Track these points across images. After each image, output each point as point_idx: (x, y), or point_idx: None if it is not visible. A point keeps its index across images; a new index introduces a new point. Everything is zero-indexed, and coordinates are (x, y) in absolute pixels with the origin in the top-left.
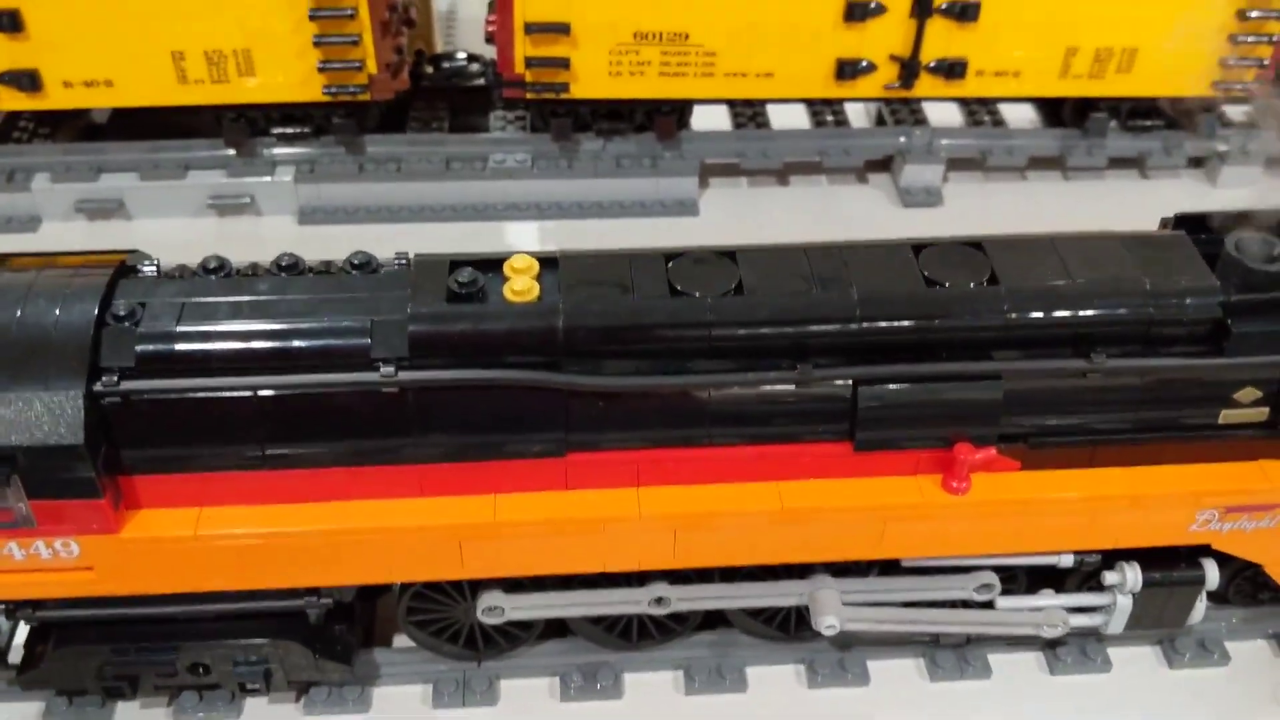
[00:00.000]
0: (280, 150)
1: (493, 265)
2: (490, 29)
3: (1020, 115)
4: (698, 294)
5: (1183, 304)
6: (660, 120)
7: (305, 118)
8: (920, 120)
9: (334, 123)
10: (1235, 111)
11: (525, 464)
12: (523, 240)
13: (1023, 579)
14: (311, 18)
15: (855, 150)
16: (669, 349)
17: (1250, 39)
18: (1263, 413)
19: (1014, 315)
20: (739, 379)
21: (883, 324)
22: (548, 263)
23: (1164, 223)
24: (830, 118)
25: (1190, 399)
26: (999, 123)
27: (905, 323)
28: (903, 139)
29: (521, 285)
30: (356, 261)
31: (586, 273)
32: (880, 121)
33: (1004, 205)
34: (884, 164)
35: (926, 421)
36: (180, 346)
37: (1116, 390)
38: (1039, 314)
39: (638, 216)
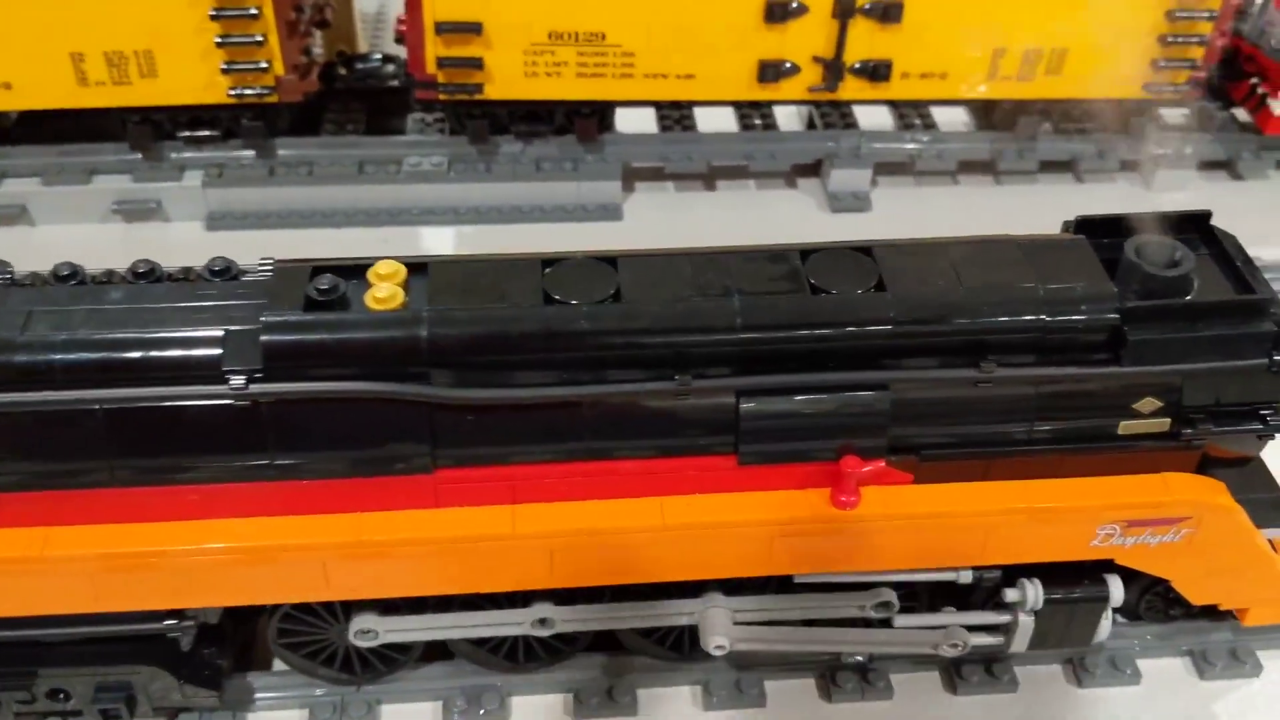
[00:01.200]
0: (188, 154)
1: (357, 271)
2: (400, 29)
3: (952, 118)
4: (573, 301)
5: (1078, 311)
6: (581, 122)
7: (213, 121)
8: (850, 124)
9: (243, 125)
10: (1170, 114)
11: (392, 481)
12: (438, 246)
13: (924, 596)
14: (214, 18)
15: (782, 155)
16: (542, 359)
17: (1181, 40)
18: (1164, 423)
19: (902, 323)
20: (615, 390)
21: (765, 333)
22: (417, 269)
23: (1065, 226)
24: (758, 121)
25: (1088, 409)
26: (930, 126)
27: (788, 331)
28: (830, 143)
29: (384, 293)
30: (215, 268)
31: (457, 280)
32: (810, 124)
33: (935, 210)
34: (813, 168)
35: (812, 434)
36: (21, 358)
37: (1010, 400)
38: (928, 322)
39: (559, 221)
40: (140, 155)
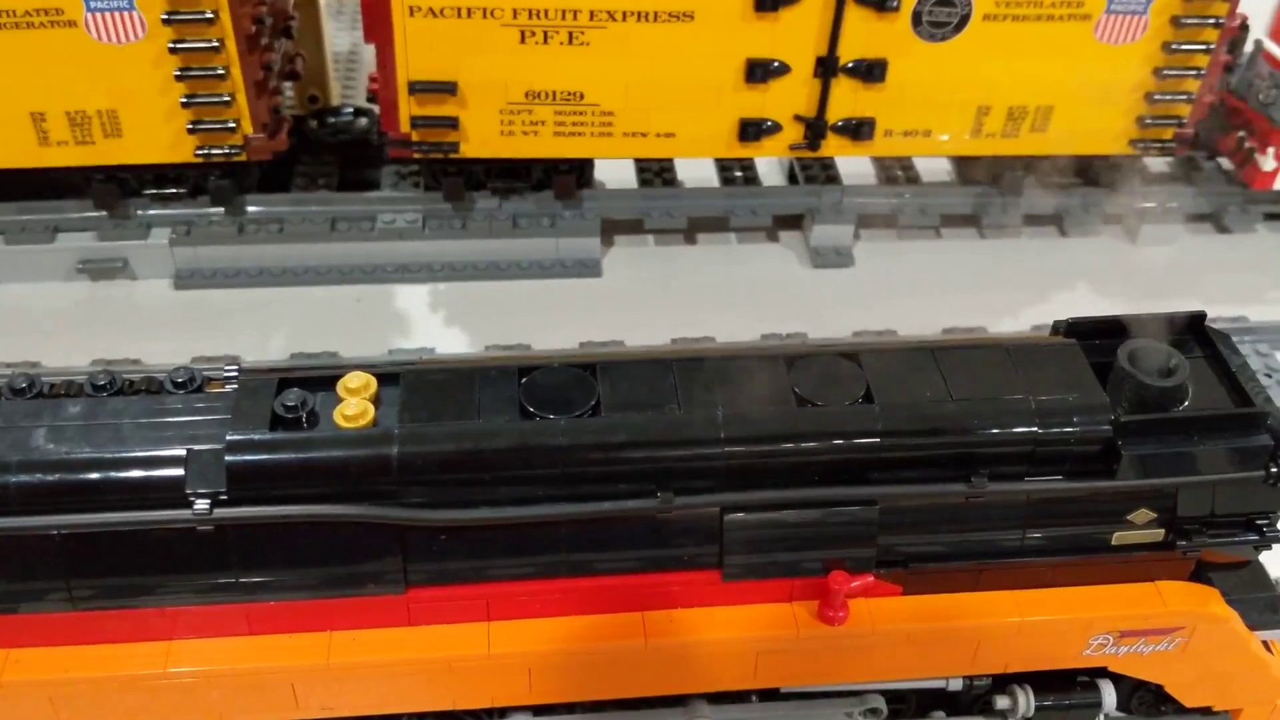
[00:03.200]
0: (154, 211)
1: (326, 383)
2: (373, 88)
3: (935, 167)
4: (551, 415)
5: (1071, 424)
6: (559, 179)
7: (180, 178)
8: (832, 176)
9: (211, 183)
10: (1155, 163)
11: (362, 601)
12: (413, 304)
13: (912, 701)
14: (179, 78)
15: (763, 210)
16: (518, 476)
17: (1167, 98)
18: (1158, 534)
19: (890, 437)
20: (594, 510)
21: (749, 447)
22: (389, 378)
23: (1056, 327)
24: (739, 173)
25: (1080, 519)
26: (913, 179)
27: (773, 446)
28: (812, 199)
29: (353, 409)
30: (179, 379)
31: (429, 391)
32: (791, 176)
33: (917, 265)
34: (795, 219)
35: (798, 548)
36: None
37: (1001, 510)
38: (917, 436)
39: (537, 278)
40: (105, 213)
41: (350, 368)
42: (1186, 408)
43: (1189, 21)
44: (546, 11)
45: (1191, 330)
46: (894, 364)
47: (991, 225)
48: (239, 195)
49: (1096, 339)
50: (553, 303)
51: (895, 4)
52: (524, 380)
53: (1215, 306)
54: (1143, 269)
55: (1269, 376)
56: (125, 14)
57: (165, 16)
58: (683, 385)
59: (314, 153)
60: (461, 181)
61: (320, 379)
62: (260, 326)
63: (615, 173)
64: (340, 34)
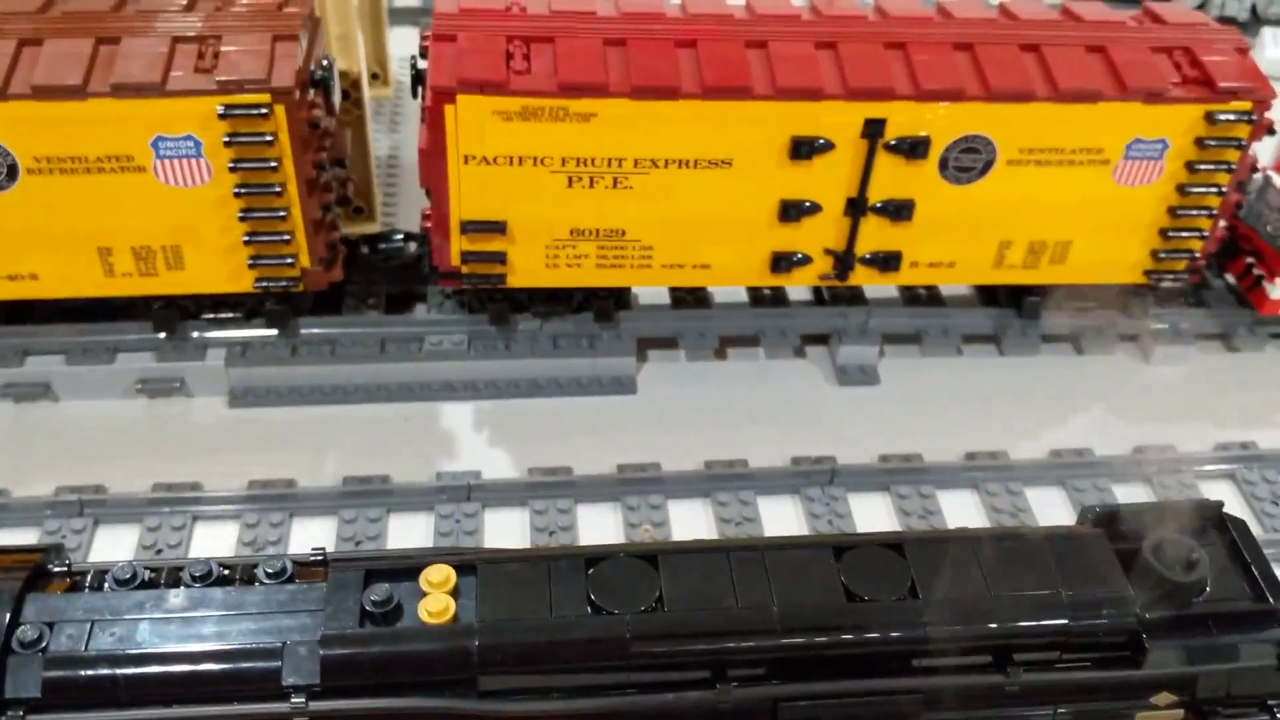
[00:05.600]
0: (210, 333)
1: (409, 574)
2: (425, 225)
3: (958, 288)
4: (617, 610)
5: (1099, 616)
6: (598, 303)
7: (237, 303)
8: (857, 296)
9: (267, 308)
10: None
11: None
12: (458, 421)
13: None
14: (242, 218)
15: (791, 330)
16: (587, 666)
17: (1182, 234)
18: (1178, 714)
19: (933, 630)
20: (658, 701)
21: (802, 639)
22: (465, 568)
23: (1084, 514)
24: (768, 292)
25: (1106, 699)
26: (936, 298)
27: (825, 638)
28: (838, 319)
29: (437, 605)
30: (271, 570)
31: (504, 583)
32: (818, 295)
33: (940, 383)
34: (823, 336)
35: None
36: (86, 673)
37: (1034, 693)
38: (958, 629)
39: (575, 395)
40: (164, 335)
41: (430, 558)
42: (1206, 598)
43: (1203, 167)
44: (593, 159)
45: (1211, 517)
46: (936, 556)
47: (1011, 345)
48: (293, 318)
49: (1123, 525)
50: (590, 420)
51: (924, 153)
52: (591, 572)
53: (1226, 429)
54: (1156, 388)
55: (1276, 504)
56: (193, 160)
57: (231, 164)
58: (739, 576)
59: (363, 273)
60: (507, 306)
61: (404, 569)
62: (312, 446)
63: (650, 291)
64: (379, 135)
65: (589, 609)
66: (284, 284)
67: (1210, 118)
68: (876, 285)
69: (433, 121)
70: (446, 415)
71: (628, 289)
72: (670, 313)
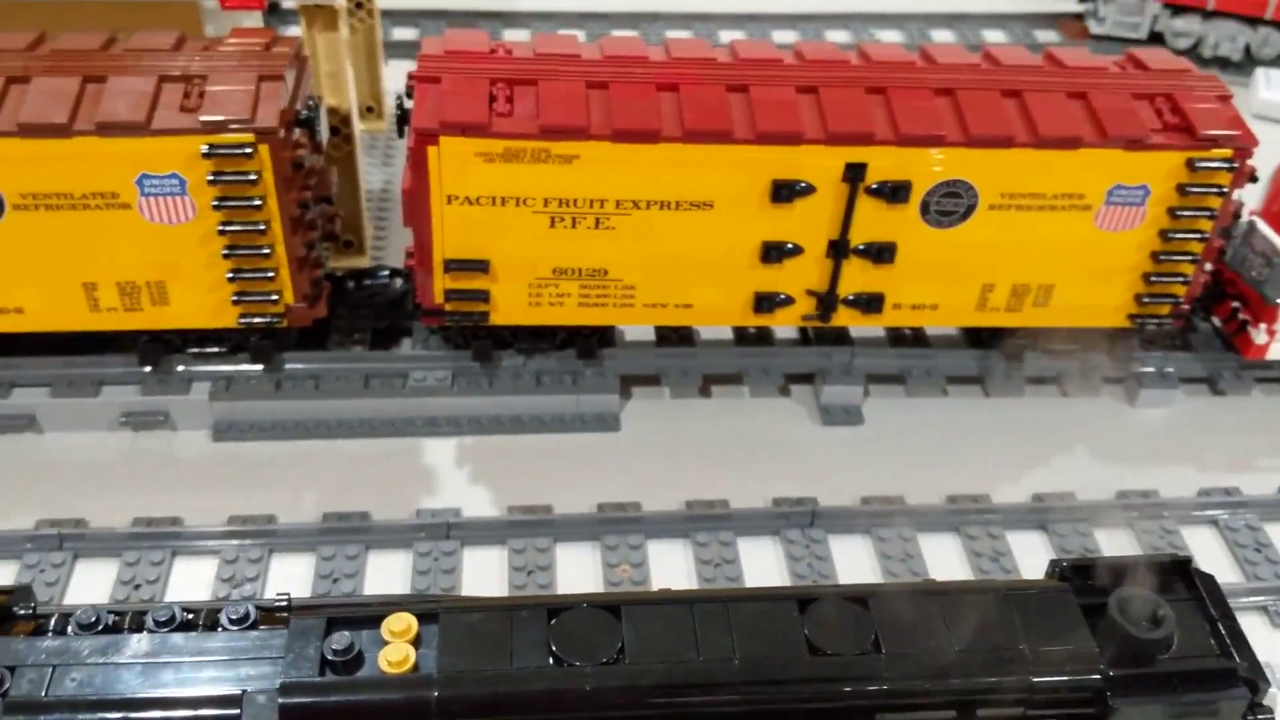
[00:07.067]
0: (195, 367)
1: (371, 622)
2: (409, 263)
3: (944, 330)
4: (577, 662)
5: (1063, 673)
6: (581, 341)
7: (221, 338)
8: (842, 336)
9: (251, 343)
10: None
11: None
12: (440, 457)
13: None
14: (226, 256)
15: (774, 369)
16: (548, 718)
17: (1165, 279)
18: None
19: (896, 685)
20: None
21: (763, 692)
22: (427, 617)
23: (1051, 567)
24: (753, 330)
25: None
26: (920, 339)
27: (786, 692)
28: (822, 359)
29: (397, 655)
30: (234, 616)
31: (465, 633)
32: (803, 334)
33: (924, 423)
34: (807, 376)
35: None
36: (45, 718)
37: None
38: (920, 685)
39: (558, 432)
40: (149, 369)
41: (392, 605)
42: (1171, 656)
43: (1184, 213)
44: (575, 200)
45: (1179, 572)
46: (900, 609)
47: (996, 387)
48: (277, 353)
49: (1090, 579)
50: (573, 457)
51: (905, 197)
52: (553, 622)
53: (1210, 473)
54: (1140, 431)
55: (1258, 551)
56: (177, 198)
57: (215, 202)
58: (702, 628)
59: (350, 307)
60: (490, 343)
61: (366, 618)
62: (294, 480)
63: (635, 328)
64: (372, 170)
65: (550, 660)
66: (268, 320)
67: (1191, 164)
68: (860, 326)
69: (416, 162)
70: (429, 451)
71: (611, 326)
72: (654, 350)
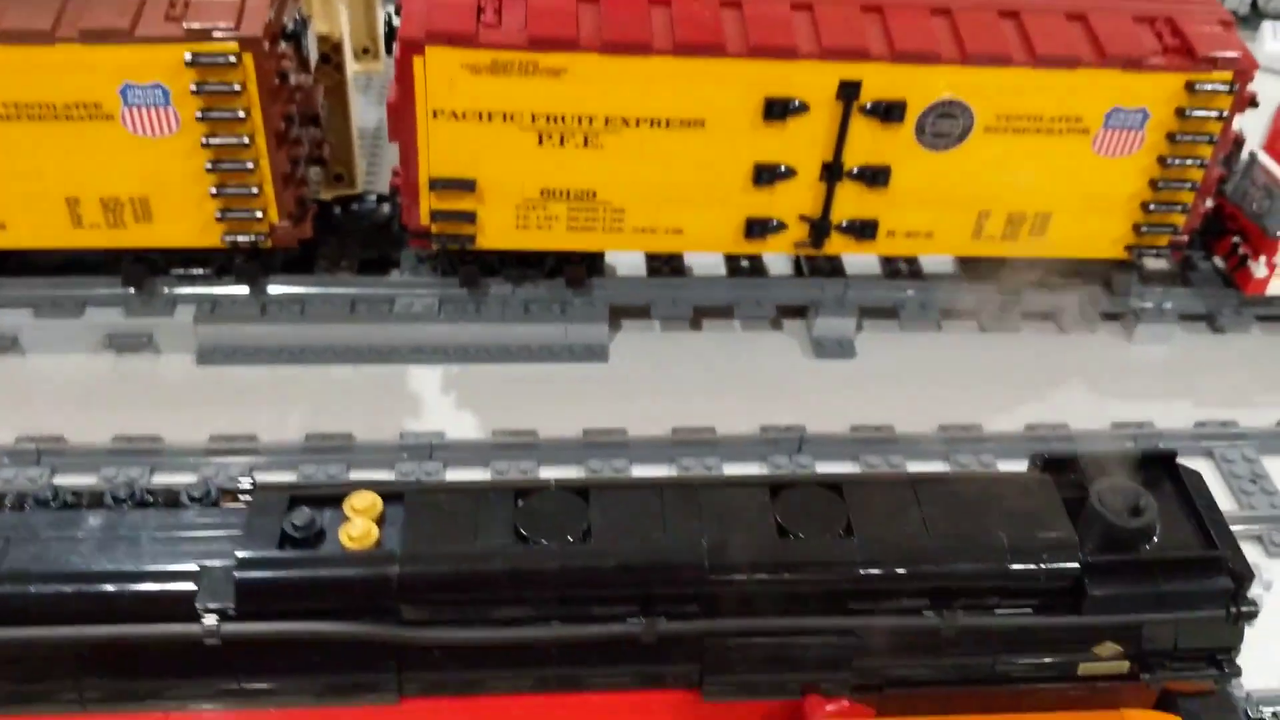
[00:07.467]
0: (180, 290)
1: (334, 501)
2: (395, 182)
3: (940, 261)
4: (543, 540)
5: (1040, 561)
6: (570, 268)
7: (206, 259)
8: (836, 268)
9: (236, 265)
10: (1153, 263)
11: (359, 711)
12: (426, 385)
13: None
14: (209, 170)
15: (767, 301)
16: (511, 597)
17: (1164, 207)
18: (1123, 666)
19: (868, 570)
20: (579, 633)
21: (732, 576)
22: (394, 497)
23: (1033, 460)
24: (746, 263)
25: (1048, 651)
26: (916, 273)
27: (754, 575)
28: (815, 291)
29: (358, 530)
30: (195, 494)
31: (431, 513)
32: (797, 266)
33: (918, 358)
34: (800, 308)
35: (776, 672)
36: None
37: (973, 641)
38: (893, 570)
39: (546, 362)
40: (133, 290)
41: (358, 486)
42: (1153, 547)
43: (1184, 138)
44: (564, 117)
45: (1164, 467)
46: (875, 497)
47: (991, 321)
48: (263, 276)
49: (1072, 473)
50: (560, 386)
51: (900, 117)
52: (520, 504)
53: (1207, 409)
54: (1138, 368)
55: (1254, 483)
56: (161, 109)
57: (199, 114)
58: (671, 512)
59: (338, 234)
60: (477, 269)
61: (330, 497)
62: (278, 404)
63: (625, 258)
64: (369, 109)
65: (515, 539)
66: (252, 239)
67: (1190, 87)
68: (854, 254)
69: (401, 74)
70: (414, 378)
71: (601, 255)
72: (644, 281)
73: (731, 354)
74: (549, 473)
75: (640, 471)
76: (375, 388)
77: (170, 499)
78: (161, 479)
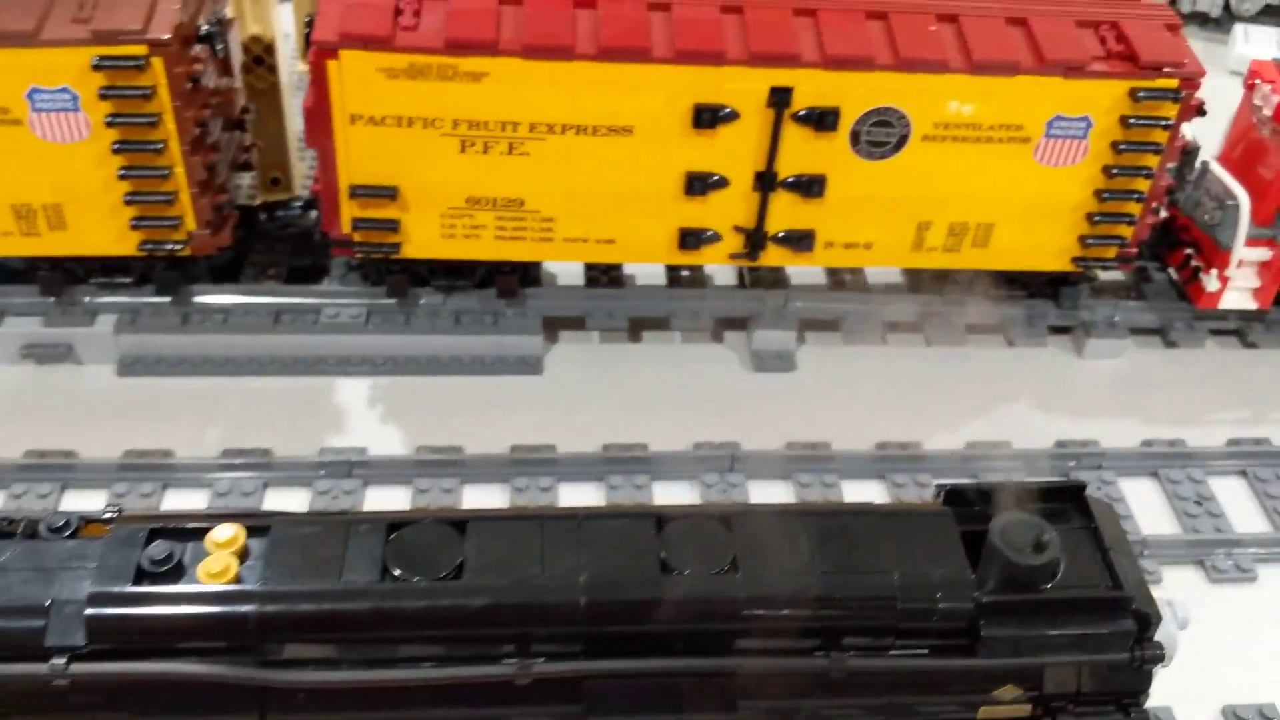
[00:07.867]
0: (100, 299)
1: (198, 534)
2: (315, 189)
3: (887, 273)
4: (413, 578)
5: (933, 600)
6: (502, 279)
7: (126, 267)
8: (779, 280)
9: (156, 274)
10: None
11: None
12: (354, 398)
13: None
14: (122, 176)
15: (705, 313)
16: (376, 638)
17: (1110, 219)
18: (1025, 709)
19: (752, 609)
20: (449, 675)
21: (610, 615)
22: (260, 530)
23: (937, 492)
24: (686, 273)
25: (945, 692)
26: (860, 285)
27: (634, 613)
28: (754, 303)
29: (217, 565)
30: (55, 525)
31: (296, 546)
32: (740, 279)
33: (860, 371)
34: (741, 320)
35: (659, 715)
36: None
37: (864, 680)
38: (778, 608)
39: (478, 374)
40: (51, 299)
41: (222, 518)
42: (1055, 585)
43: (1129, 147)
44: (486, 123)
45: (1073, 498)
46: (765, 530)
47: (937, 334)
48: (185, 285)
49: (977, 505)
50: (491, 400)
51: (833, 125)
52: (391, 538)
53: (1156, 427)
54: (1087, 383)
55: (1199, 505)
56: (70, 115)
57: (109, 119)
58: (550, 546)
59: (267, 242)
60: (405, 278)
61: (194, 530)
62: (199, 417)
63: (566, 267)
64: None
65: (381, 576)
66: (169, 248)
67: (1135, 95)
68: (792, 266)
69: (316, 77)
70: (340, 391)
71: (537, 265)
72: (579, 291)
73: (670, 367)
74: (472, 492)
75: (567, 490)
76: (300, 401)
77: (30, 530)
78: (72, 497)
